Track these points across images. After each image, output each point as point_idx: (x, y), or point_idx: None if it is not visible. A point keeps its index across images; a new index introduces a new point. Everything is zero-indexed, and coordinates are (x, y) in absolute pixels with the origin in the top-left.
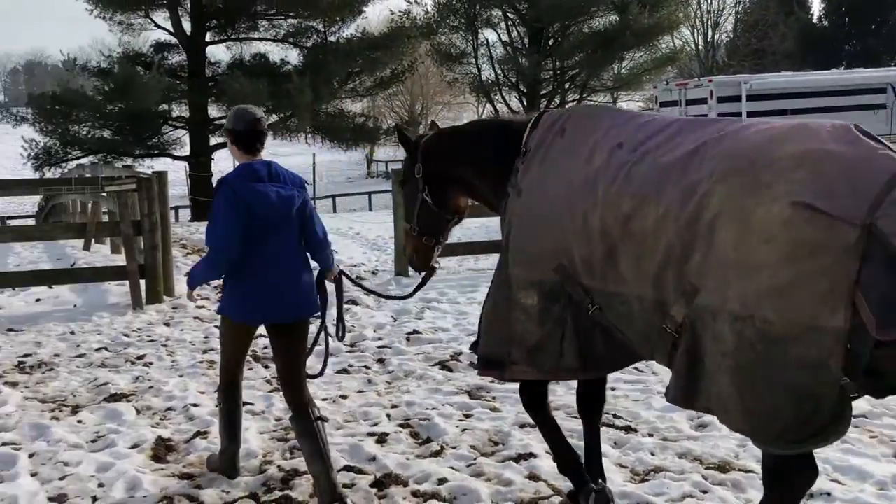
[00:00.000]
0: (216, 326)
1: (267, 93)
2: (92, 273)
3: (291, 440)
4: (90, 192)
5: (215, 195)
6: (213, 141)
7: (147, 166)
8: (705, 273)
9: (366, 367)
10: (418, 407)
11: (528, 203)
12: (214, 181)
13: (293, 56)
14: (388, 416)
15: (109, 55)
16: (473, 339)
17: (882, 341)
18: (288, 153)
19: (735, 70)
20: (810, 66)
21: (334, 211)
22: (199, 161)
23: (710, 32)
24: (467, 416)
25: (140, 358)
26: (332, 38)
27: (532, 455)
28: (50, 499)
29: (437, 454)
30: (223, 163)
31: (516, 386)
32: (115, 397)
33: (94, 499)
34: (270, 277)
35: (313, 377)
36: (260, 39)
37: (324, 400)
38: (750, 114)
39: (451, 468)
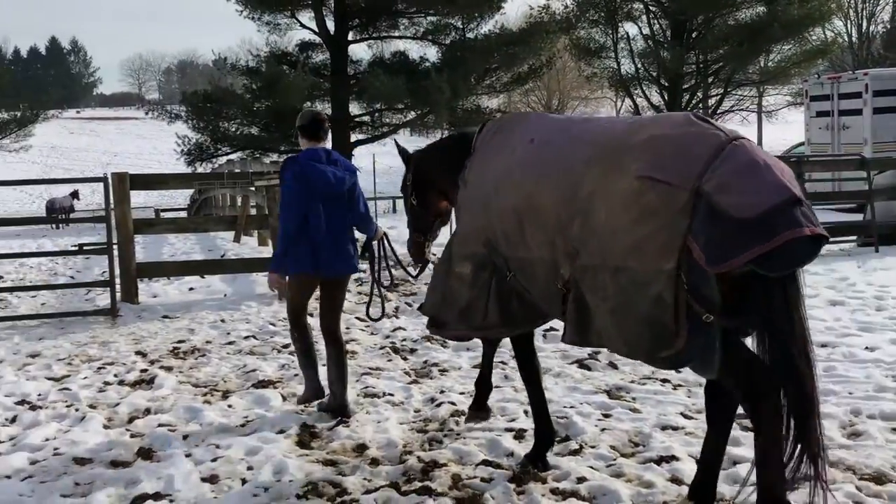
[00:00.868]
0: (357, 318)
1: (405, 90)
2: (241, 264)
3: (431, 431)
4: (240, 187)
5: (283, 171)
6: (353, 138)
7: None
8: (585, 238)
9: (502, 362)
10: (556, 405)
11: (469, 191)
12: None
13: (432, 53)
14: (526, 412)
15: (257, 54)
16: None
17: (716, 272)
18: None
19: (892, 63)
20: None
21: None
22: None
23: (864, 23)
24: (606, 415)
25: (285, 346)
26: (471, 35)
27: (674, 458)
28: (203, 479)
29: (575, 453)
30: (363, 159)
31: (658, 387)
32: (263, 383)
33: (244, 481)
34: (321, 241)
35: (375, 320)
36: (400, 37)
37: (461, 394)
38: None
39: (591, 467)
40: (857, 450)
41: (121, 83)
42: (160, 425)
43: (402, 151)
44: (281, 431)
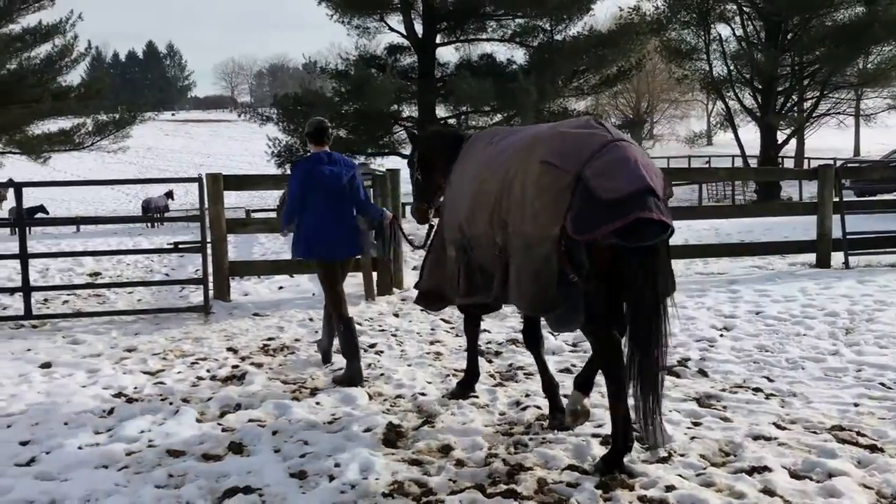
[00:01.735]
0: (442, 319)
1: (492, 92)
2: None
3: (516, 435)
4: None
5: (292, 171)
6: None
7: (378, 164)
8: (509, 209)
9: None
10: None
11: (452, 190)
12: None
13: (519, 55)
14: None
15: (346, 58)
16: (702, 344)
17: (581, 241)
18: None
19: None
20: None
21: None
22: None
23: None
24: (696, 423)
25: (372, 346)
26: (559, 37)
27: (766, 468)
28: (291, 474)
29: (664, 461)
30: None
31: (749, 395)
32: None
33: (331, 478)
34: (324, 229)
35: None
36: (487, 40)
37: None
38: None
39: (680, 476)
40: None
41: (214, 86)
42: (250, 420)
43: (410, 134)
44: (367, 430)
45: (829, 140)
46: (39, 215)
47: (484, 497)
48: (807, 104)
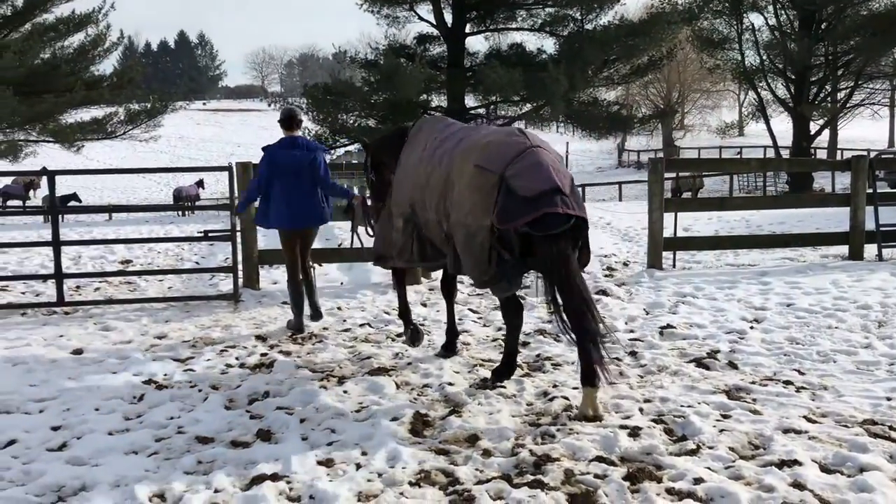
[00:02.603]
0: (470, 309)
1: (522, 82)
2: (358, 253)
3: (543, 425)
4: (357, 178)
5: (263, 154)
6: None
7: None
8: (451, 204)
9: (617, 358)
10: (673, 403)
11: (400, 171)
12: None
13: (549, 45)
14: (641, 409)
15: (376, 47)
16: (732, 336)
17: (503, 229)
18: None
19: None
20: None
21: (583, 200)
22: None
23: None
24: (725, 416)
25: (399, 336)
26: (589, 26)
27: (797, 462)
28: (318, 462)
29: (692, 453)
30: None
31: (779, 388)
32: (377, 371)
33: (358, 466)
34: (289, 202)
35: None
36: (517, 29)
37: (575, 388)
38: None
39: (708, 468)
40: None
41: (245, 76)
42: (278, 408)
43: (363, 143)
44: (394, 419)
45: (862, 131)
46: (72, 203)
47: (511, 487)
48: (840, 94)
